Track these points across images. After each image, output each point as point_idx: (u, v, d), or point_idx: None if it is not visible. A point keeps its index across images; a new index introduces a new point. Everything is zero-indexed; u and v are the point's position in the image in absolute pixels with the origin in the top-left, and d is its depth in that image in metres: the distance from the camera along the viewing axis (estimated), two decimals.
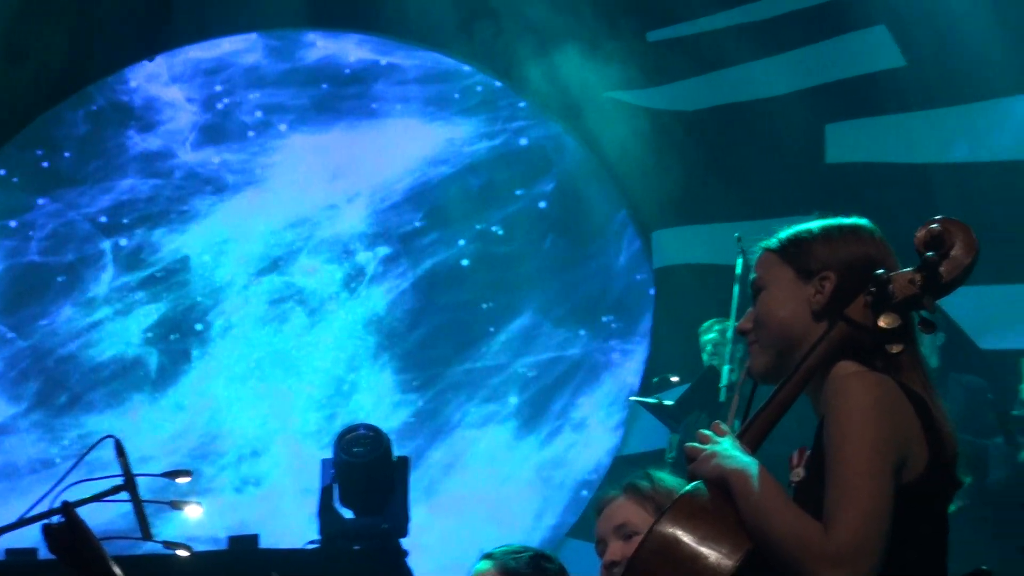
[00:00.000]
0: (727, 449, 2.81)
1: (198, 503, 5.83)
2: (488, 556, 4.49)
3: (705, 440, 2.89)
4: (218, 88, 11.44)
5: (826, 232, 3.00)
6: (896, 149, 10.62)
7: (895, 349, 2.80)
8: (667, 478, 3.83)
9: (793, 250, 3.00)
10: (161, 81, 11.41)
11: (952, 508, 2.88)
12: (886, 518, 2.63)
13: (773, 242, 3.06)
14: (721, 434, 2.88)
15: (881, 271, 2.83)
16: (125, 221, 11.24)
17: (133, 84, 11.41)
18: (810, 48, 10.97)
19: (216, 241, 11.28)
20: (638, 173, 11.11)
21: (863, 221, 3.04)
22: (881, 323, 2.79)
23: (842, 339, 2.85)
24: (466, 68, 11.52)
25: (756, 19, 11.07)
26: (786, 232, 3.05)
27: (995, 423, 8.19)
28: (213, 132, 11.40)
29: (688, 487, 2.80)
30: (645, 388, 10.28)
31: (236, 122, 11.45)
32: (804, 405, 2.98)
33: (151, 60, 11.35)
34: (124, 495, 5.00)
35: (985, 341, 9.99)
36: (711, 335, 8.89)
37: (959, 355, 9.25)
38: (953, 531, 2.83)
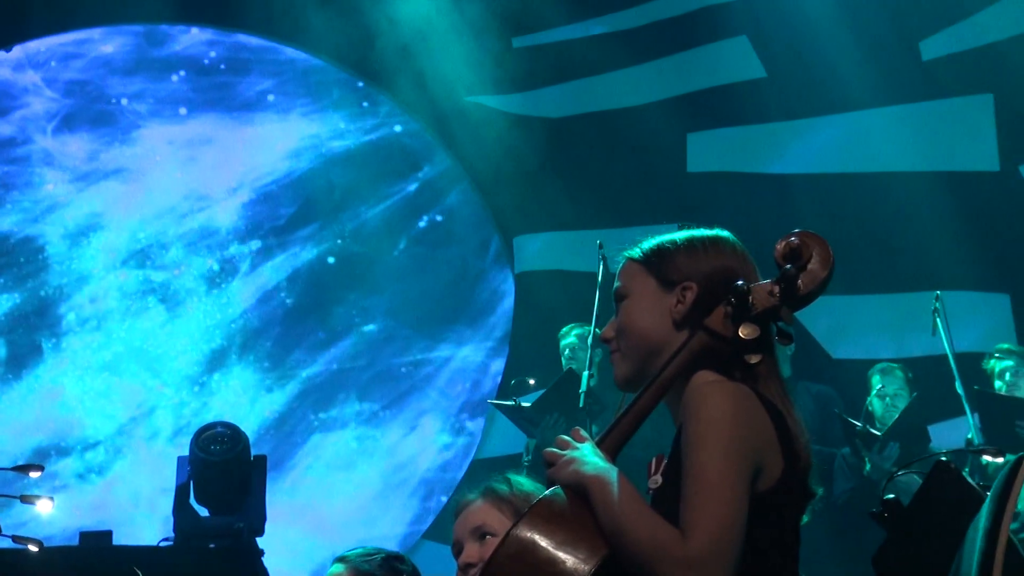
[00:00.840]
0: (586, 455, 2.81)
1: (49, 498, 5.75)
2: (341, 559, 4.49)
3: (564, 445, 2.89)
4: (79, 75, 11.28)
5: (689, 243, 3.04)
6: (756, 159, 10.73)
7: (754, 359, 2.84)
8: (525, 482, 3.83)
9: (656, 260, 3.03)
10: (17, 65, 11.23)
11: (804, 519, 2.93)
12: (741, 525, 2.65)
13: (636, 252, 3.08)
14: (580, 440, 2.89)
15: (741, 282, 2.87)
16: None
17: None
18: (673, 58, 11.05)
19: (74, 231, 11.12)
20: (501, 178, 11.13)
21: (724, 233, 3.08)
22: (741, 333, 2.83)
23: (701, 349, 2.87)
24: (332, 67, 11.47)
25: (620, 28, 11.13)
26: (649, 242, 3.08)
27: (842, 434, 8.30)
28: (74, 119, 11.24)
29: (546, 492, 2.80)
30: (503, 391, 10.28)
31: (97, 110, 11.30)
32: (664, 412, 3.01)
33: (7, 51, 11.17)
34: None
35: (838, 351, 10.14)
36: (570, 339, 8.91)
37: (811, 365, 9.38)
38: (802, 542, 2.87)
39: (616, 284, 3.09)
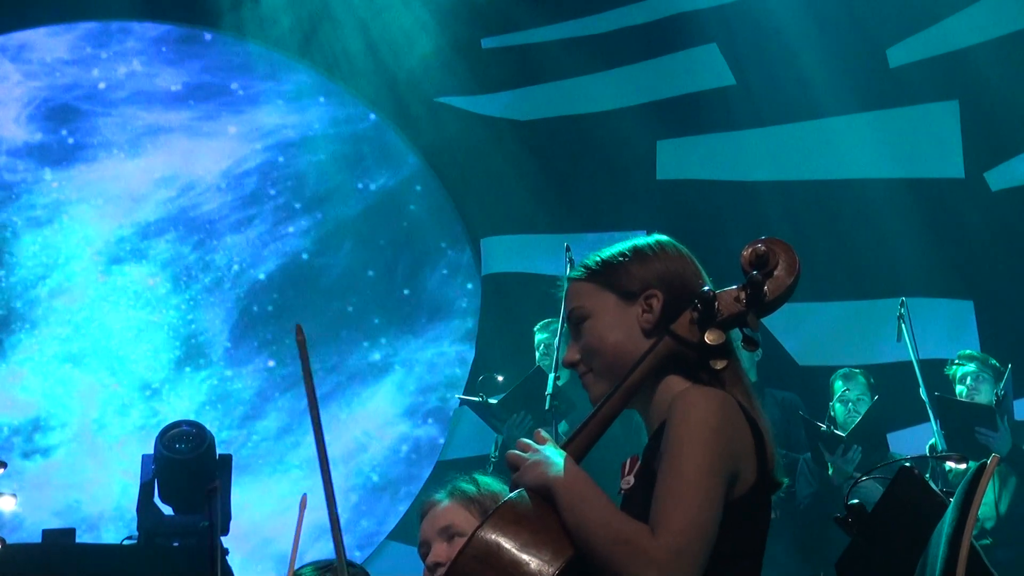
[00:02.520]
0: (550, 457, 2.81)
1: (12, 495, 5.74)
2: (297, 572, 4.48)
3: (525, 448, 2.89)
4: (48, 66, 11.30)
5: (637, 252, 3.03)
6: (725, 166, 10.75)
7: (719, 365, 2.85)
8: (492, 482, 3.83)
9: (609, 274, 3.02)
10: None
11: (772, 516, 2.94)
12: (712, 529, 2.66)
13: (581, 271, 3.06)
14: (542, 442, 2.89)
15: (707, 288, 2.89)
16: None
17: None
18: (643, 64, 11.06)
19: (44, 219, 11.11)
20: (469, 180, 11.13)
21: (664, 237, 3.08)
22: (707, 339, 2.84)
23: (668, 354, 2.88)
24: (299, 64, 11.46)
25: (590, 33, 11.14)
26: (593, 259, 3.07)
27: (805, 439, 8.33)
28: (40, 112, 11.24)
29: (512, 494, 2.80)
30: (470, 387, 10.27)
31: (66, 99, 11.29)
32: (629, 416, 3.02)
33: None
34: None
35: (804, 358, 10.17)
36: (545, 335, 8.88)
37: (777, 371, 9.40)
38: (765, 547, 2.89)
39: (570, 308, 3.05)
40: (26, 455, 10.71)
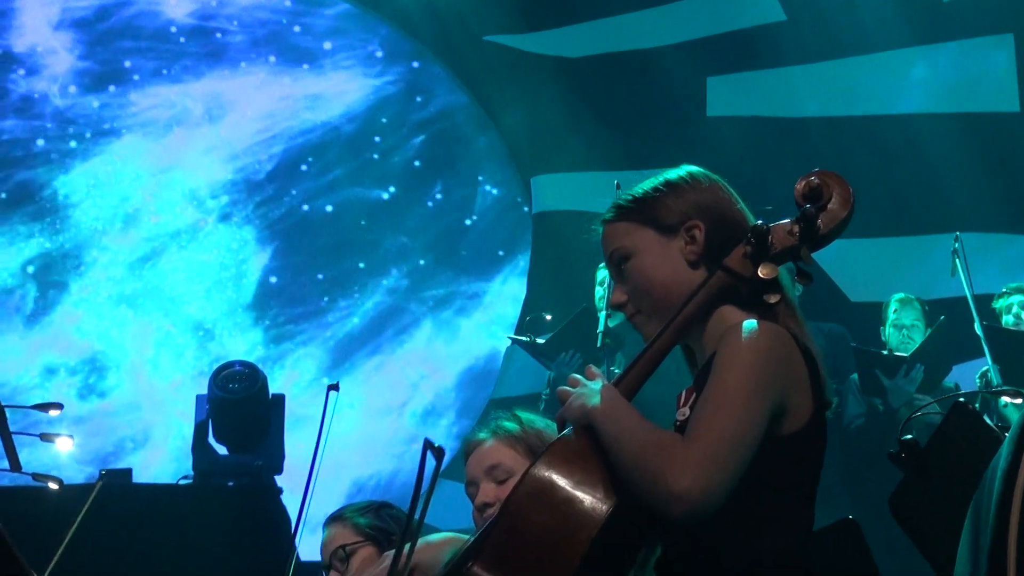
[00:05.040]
0: (594, 391, 2.80)
1: (69, 436, 5.77)
2: (335, 519, 4.50)
3: (575, 384, 2.88)
4: (94, 36, 11.36)
5: (671, 184, 2.99)
6: (776, 103, 10.69)
7: (773, 299, 2.83)
8: (535, 419, 3.81)
9: (647, 210, 2.97)
10: (40, 27, 11.31)
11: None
12: (748, 447, 2.62)
13: (616, 212, 3.02)
14: (592, 377, 2.89)
15: (760, 222, 2.87)
16: (5, 160, 11.14)
17: (14, 29, 11.30)
18: (692, 0, 11.00)
19: (93, 182, 11.19)
20: (519, 119, 11.10)
21: (696, 168, 3.04)
22: (760, 273, 2.82)
23: (721, 288, 2.86)
24: (351, 7, 11.46)
25: None
26: (627, 196, 3.02)
27: (854, 369, 8.29)
28: (90, 78, 11.31)
29: (565, 431, 2.80)
30: (519, 328, 10.28)
31: (112, 68, 11.36)
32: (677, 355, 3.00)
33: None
34: None
35: (856, 294, 10.13)
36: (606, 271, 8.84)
37: (829, 307, 9.36)
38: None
39: (610, 249, 3.01)
40: (82, 395, 10.81)
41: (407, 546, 3.12)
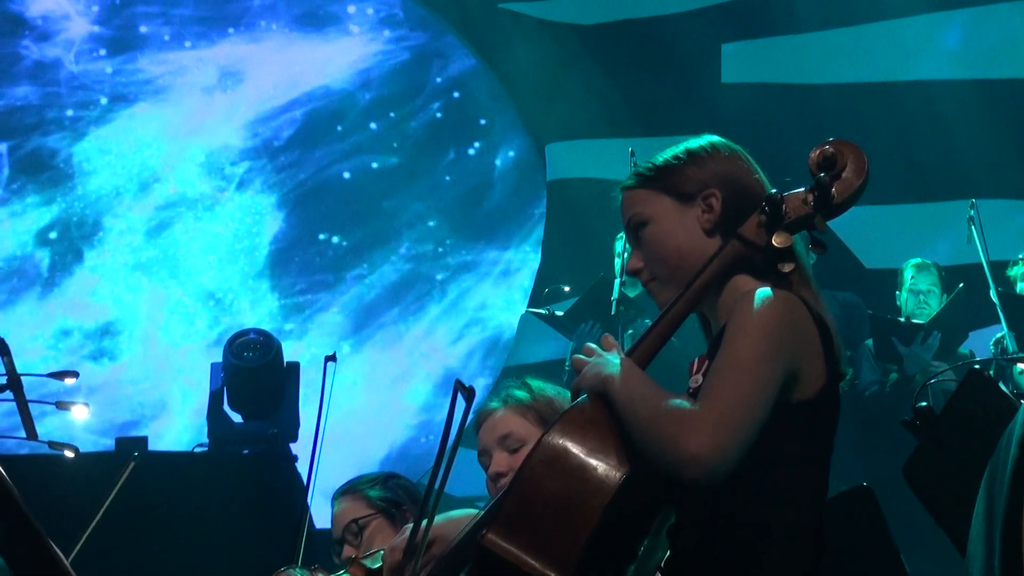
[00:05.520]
0: (609, 360, 2.80)
1: (84, 404, 5.78)
2: (345, 491, 4.51)
3: (590, 353, 2.87)
4: (108, 1, 11.36)
5: (691, 153, 2.99)
6: (791, 69, 10.66)
7: (787, 268, 2.82)
8: (547, 387, 3.80)
9: (666, 178, 2.97)
10: None
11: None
12: (760, 413, 2.62)
13: (636, 179, 3.02)
14: (608, 347, 2.88)
15: (775, 191, 2.86)
16: (19, 127, 11.15)
17: None
18: None
19: (108, 149, 11.20)
20: (533, 86, 11.08)
21: (717, 138, 3.03)
22: (775, 242, 2.81)
23: (735, 257, 2.86)
24: None
25: None
26: (647, 165, 3.02)
27: (868, 333, 8.29)
28: (106, 43, 11.31)
29: (580, 399, 2.80)
30: (535, 298, 10.28)
31: (127, 34, 11.35)
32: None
33: None
34: (8, 395, 4.97)
35: (871, 261, 10.11)
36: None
37: (844, 274, 9.35)
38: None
39: (628, 216, 3.02)
40: (94, 358, 10.85)
41: (423, 523, 3.14)
